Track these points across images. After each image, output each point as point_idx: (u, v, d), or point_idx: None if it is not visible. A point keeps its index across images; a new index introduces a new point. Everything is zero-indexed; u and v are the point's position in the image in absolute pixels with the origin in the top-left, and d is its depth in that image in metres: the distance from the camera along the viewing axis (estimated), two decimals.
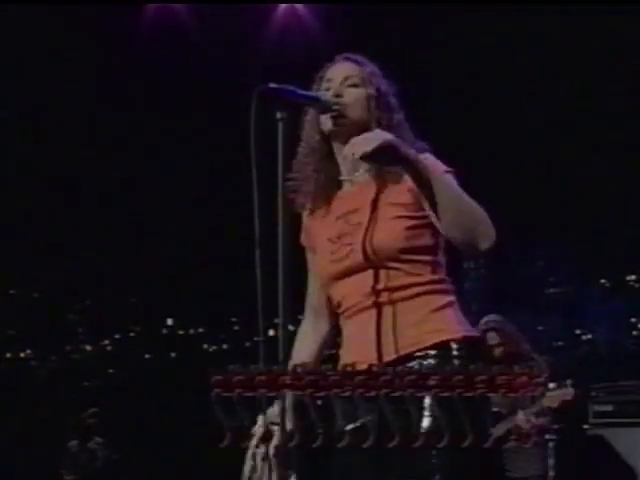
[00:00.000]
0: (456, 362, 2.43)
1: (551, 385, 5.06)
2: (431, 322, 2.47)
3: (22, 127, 8.10)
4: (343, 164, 2.59)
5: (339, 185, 2.62)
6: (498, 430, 5.00)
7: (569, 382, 5.08)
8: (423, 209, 2.47)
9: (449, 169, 2.50)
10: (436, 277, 2.51)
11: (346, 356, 2.58)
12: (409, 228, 2.48)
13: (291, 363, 2.60)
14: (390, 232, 2.48)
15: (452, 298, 2.52)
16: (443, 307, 2.50)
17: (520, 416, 5.02)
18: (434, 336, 2.44)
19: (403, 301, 2.47)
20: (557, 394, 5.04)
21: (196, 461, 8.09)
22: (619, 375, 6.75)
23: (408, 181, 2.47)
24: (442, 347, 2.43)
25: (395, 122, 2.54)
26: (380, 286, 2.48)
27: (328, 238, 2.56)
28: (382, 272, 2.48)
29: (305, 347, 2.68)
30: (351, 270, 2.50)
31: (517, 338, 5.25)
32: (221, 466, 8.16)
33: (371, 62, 2.60)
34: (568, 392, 5.05)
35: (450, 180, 2.43)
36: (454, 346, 2.45)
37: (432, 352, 2.44)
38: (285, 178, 2.49)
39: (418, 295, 2.48)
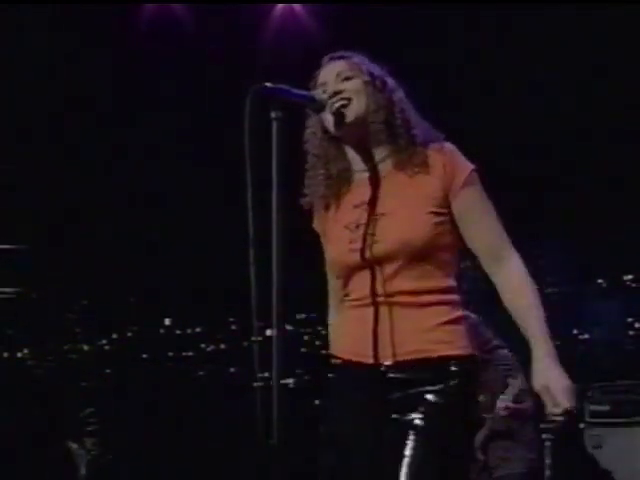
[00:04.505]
0: (452, 382, 2.43)
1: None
2: (440, 333, 2.46)
3: (20, 128, 8.09)
4: (354, 157, 2.60)
5: (351, 178, 2.62)
6: (480, 434, 4.98)
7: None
8: (448, 205, 2.48)
9: (473, 167, 2.51)
10: (448, 284, 2.50)
11: (341, 342, 2.57)
12: (436, 224, 2.47)
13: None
14: (417, 226, 2.46)
15: (462, 312, 2.52)
16: (455, 321, 2.49)
17: (498, 405, 4.97)
18: (440, 348, 2.44)
19: (406, 306, 2.46)
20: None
21: (194, 461, 8.09)
22: (616, 375, 6.75)
23: (435, 171, 2.48)
24: (442, 362, 2.43)
25: (396, 100, 2.55)
26: (387, 288, 2.47)
27: (345, 225, 2.54)
28: (396, 271, 2.46)
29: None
30: (369, 261, 2.48)
31: (482, 328, 5.19)
32: (219, 465, 8.20)
33: (356, 53, 2.62)
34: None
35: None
36: (455, 362, 2.45)
37: (431, 365, 2.43)
38: (300, 192, 2.52)
39: (432, 304, 2.47)
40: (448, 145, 2.55)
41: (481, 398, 4.92)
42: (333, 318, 2.73)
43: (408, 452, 2.37)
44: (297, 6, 8.10)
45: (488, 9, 7.33)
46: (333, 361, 2.59)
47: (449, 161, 2.51)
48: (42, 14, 7.58)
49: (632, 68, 7.40)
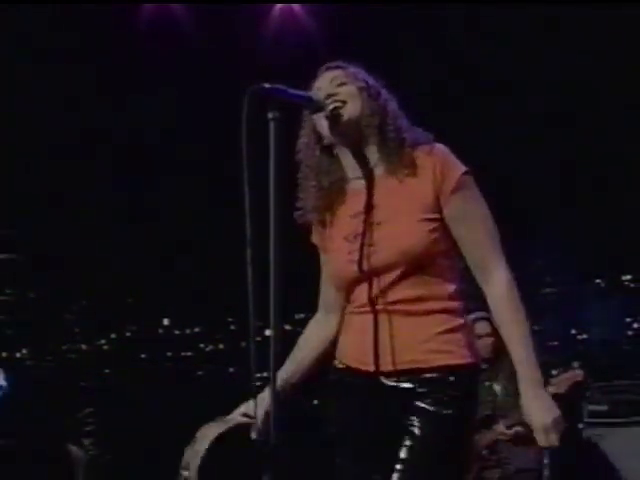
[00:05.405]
0: (452, 392, 2.43)
1: (554, 372, 5.01)
2: (439, 343, 2.45)
3: (20, 128, 8.09)
4: (348, 165, 2.58)
5: (345, 187, 2.60)
6: (490, 435, 4.98)
7: (577, 364, 5.03)
8: (440, 210, 2.45)
9: (465, 169, 2.49)
10: (450, 290, 2.47)
11: (344, 348, 2.58)
12: (431, 231, 2.45)
13: (292, 353, 2.63)
14: (413, 235, 2.44)
15: (464, 320, 2.50)
16: (455, 329, 2.47)
17: (500, 427, 4.98)
18: (439, 357, 2.44)
19: (408, 314, 2.45)
20: (564, 378, 4.98)
21: None
22: (614, 375, 6.76)
23: (425, 174, 2.47)
24: (442, 371, 2.43)
25: (390, 110, 2.54)
26: (388, 297, 2.46)
27: (344, 237, 2.53)
28: (396, 280, 2.46)
29: (309, 340, 2.71)
30: (368, 272, 2.47)
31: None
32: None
33: (353, 63, 2.62)
34: (577, 374, 4.98)
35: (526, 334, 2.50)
36: (453, 372, 2.44)
37: (430, 375, 2.43)
38: (295, 206, 2.52)
39: (432, 312, 2.45)
40: (439, 146, 2.52)
41: (495, 387, 4.95)
42: (317, 320, 2.73)
43: (403, 456, 2.38)
44: (296, 6, 8.10)
45: (488, 9, 7.33)
46: (337, 365, 2.59)
47: (439, 163, 2.47)
48: (42, 14, 7.58)
49: (632, 68, 7.41)
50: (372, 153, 2.54)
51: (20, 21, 7.62)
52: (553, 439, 2.38)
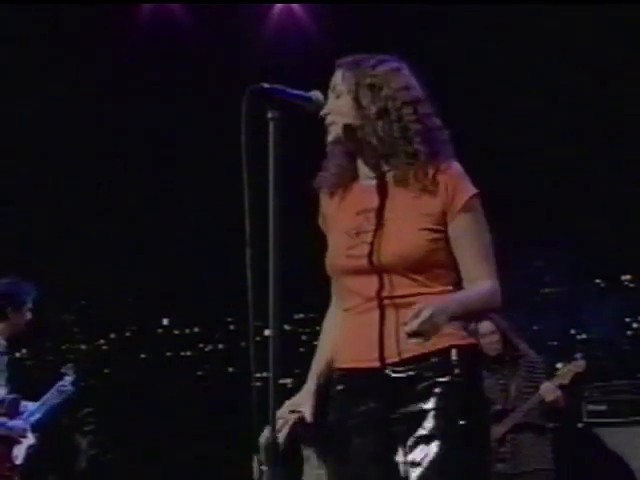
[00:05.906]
0: (456, 370, 2.49)
1: (559, 365, 5.08)
2: None
3: (20, 128, 8.10)
4: (360, 165, 2.61)
5: (358, 177, 2.63)
6: (499, 428, 5.00)
7: (579, 355, 5.14)
8: (445, 224, 2.49)
9: (475, 192, 2.52)
10: (448, 289, 2.54)
11: (344, 352, 2.59)
12: (432, 241, 2.50)
13: (318, 345, 2.64)
14: (413, 242, 2.50)
15: None
16: None
17: (546, 386, 5.02)
18: (439, 341, 2.46)
19: (409, 306, 2.47)
20: (568, 369, 5.07)
21: (191, 460, 8.09)
22: (614, 375, 6.77)
23: (437, 191, 2.49)
24: (444, 353, 2.48)
25: (392, 108, 2.54)
26: (388, 292, 2.49)
27: (345, 231, 2.56)
28: (394, 279, 2.51)
29: (329, 331, 2.71)
30: (366, 269, 2.51)
31: (510, 332, 5.26)
32: (217, 465, 8.19)
33: (358, 54, 2.61)
34: (579, 364, 5.10)
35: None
36: (455, 352, 2.49)
37: (434, 359, 2.48)
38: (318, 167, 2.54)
39: (429, 300, 2.48)
40: (454, 166, 2.56)
41: (510, 387, 5.01)
42: (330, 314, 2.74)
43: (425, 433, 2.43)
44: (296, 6, 8.11)
45: (488, 9, 7.33)
46: (336, 375, 2.60)
47: (451, 183, 2.52)
48: (42, 14, 7.59)
49: (632, 68, 7.41)
50: (381, 161, 2.58)
51: (20, 21, 7.62)
52: (414, 323, 2.33)
